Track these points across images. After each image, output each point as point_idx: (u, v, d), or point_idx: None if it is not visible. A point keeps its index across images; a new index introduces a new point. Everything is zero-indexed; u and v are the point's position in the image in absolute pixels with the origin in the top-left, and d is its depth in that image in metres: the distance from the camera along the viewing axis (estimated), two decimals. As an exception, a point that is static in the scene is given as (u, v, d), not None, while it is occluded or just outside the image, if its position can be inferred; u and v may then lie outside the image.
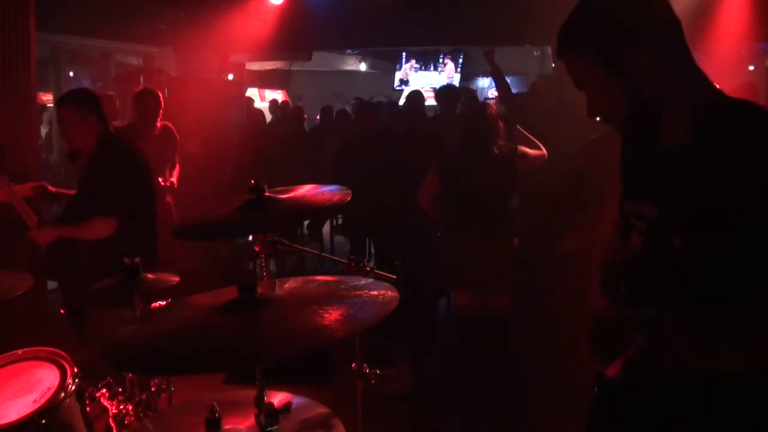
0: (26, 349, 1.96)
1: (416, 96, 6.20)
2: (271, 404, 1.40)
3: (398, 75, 15.31)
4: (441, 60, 14.99)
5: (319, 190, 1.98)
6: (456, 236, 3.70)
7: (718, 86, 1.41)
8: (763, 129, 1.28)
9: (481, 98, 13.00)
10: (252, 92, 11.64)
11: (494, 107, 3.81)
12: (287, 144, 6.82)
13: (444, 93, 6.26)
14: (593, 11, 1.44)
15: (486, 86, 15.49)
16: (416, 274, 4.73)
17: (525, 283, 3.88)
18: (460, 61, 14.99)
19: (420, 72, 15.23)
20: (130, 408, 2.15)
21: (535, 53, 14.36)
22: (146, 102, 4.85)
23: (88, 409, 1.87)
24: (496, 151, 3.61)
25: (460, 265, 3.67)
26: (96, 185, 3.01)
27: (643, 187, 1.47)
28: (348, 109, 8.82)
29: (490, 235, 3.60)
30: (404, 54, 15.06)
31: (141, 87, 5.08)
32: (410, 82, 15.01)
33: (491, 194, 3.59)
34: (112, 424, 2.14)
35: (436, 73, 15.08)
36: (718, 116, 1.34)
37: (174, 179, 4.89)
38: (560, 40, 1.46)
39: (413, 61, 15.10)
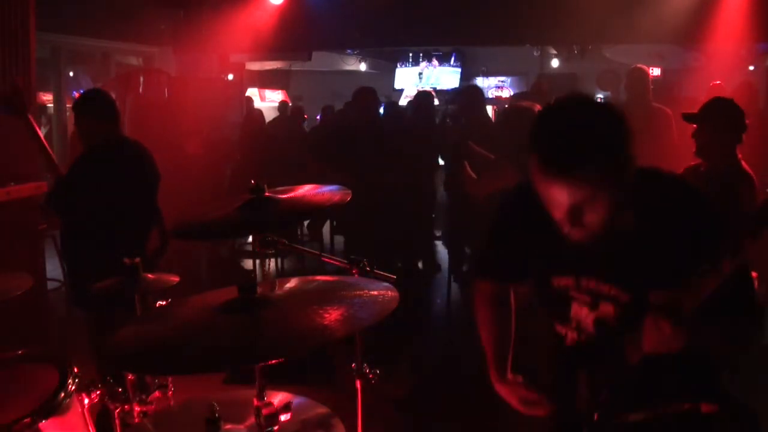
0: (26, 349, 1.96)
1: (476, 91, 5.89)
2: (271, 404, 1.40)
3: (416, 69, 15.32)
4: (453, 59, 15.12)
5: (319, 190, 1.98)
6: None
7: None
8: (694, 195, 1.50)
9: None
10: (252, 92, 11.64)
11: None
12: (287, 144, 6.82)
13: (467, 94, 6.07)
14: (612, 128, 1.37)
15: (486, 86, 15.52)
16: (416, 273, 4.73)
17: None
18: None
19: (432, 68, 15.32)
20: (130, 408, 2.15)
21: (535, 53, 14.35)
22: (367, 98, 5.40)
23: (88, 409, 1.87)
24: None
25: None
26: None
27: (599, 266, 1.52)
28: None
29: None
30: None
31: (360, 87, 5.52)
32: (427, 78, 15.06)
33: None
34: (113, 424, 2.14)
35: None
36: (658, 198, 1.49)
37: None
38: (575, 156, 1.32)
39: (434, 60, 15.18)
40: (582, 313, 1.58)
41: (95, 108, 3.22)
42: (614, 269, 1.51)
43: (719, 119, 3.10)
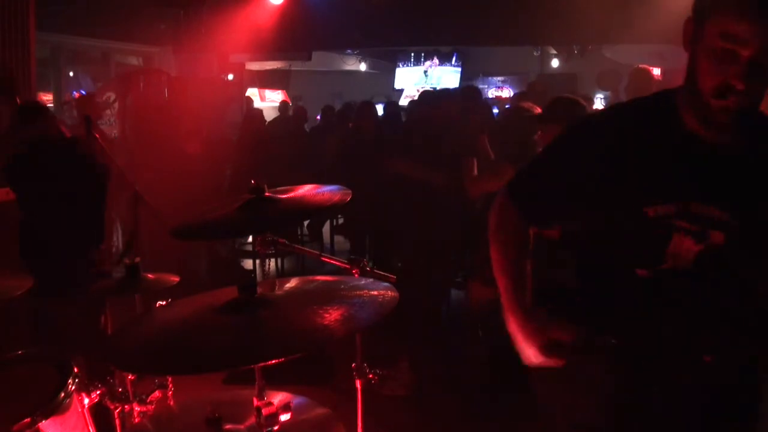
0: (26, 349, 1.96)
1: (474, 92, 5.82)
2: (271, 404, 1.40)
3: (421, 68, 15.35)
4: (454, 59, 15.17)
5: (319, 190, 1.98)
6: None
7: None
8: None
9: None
10: (252, 92, 11.65)
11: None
12: (287, 144, 6.82)
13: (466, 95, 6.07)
14: None
15: (485, 86, 15.53)
16: (416, 275, 4.71)
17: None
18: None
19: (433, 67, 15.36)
20: (130, 408, 2.15)
21: (535, 53, 14.37)
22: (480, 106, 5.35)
23: (88, 408, 1.87)
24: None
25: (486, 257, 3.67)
26: None
27: (712, 189, 1.38)
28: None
29: None
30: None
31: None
32: (430, 76, 15.08)
33: None
34: (113, 425, 2.14)
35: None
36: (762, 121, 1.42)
37: None
38: None
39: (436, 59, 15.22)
40: (684, 245, 1.40)
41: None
42: (730, 192, 1.37)
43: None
